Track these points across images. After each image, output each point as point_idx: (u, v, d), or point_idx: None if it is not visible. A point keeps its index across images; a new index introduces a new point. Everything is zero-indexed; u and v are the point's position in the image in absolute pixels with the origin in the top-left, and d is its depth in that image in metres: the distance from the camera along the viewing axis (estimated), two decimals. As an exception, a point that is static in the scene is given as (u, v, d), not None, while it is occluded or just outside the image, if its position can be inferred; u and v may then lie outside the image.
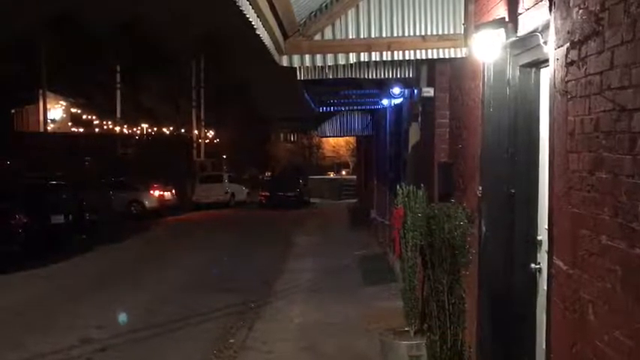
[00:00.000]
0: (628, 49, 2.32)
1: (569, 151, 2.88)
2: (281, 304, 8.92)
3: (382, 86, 9.41)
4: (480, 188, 4.56)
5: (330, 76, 6.71)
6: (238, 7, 3.72)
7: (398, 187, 5.27)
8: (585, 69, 2.68)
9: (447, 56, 4.99)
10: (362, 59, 4.94)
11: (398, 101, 11.43)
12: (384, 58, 4.95)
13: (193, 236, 18.12)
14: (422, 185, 5.57)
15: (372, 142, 15.87)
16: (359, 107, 14.10)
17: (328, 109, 13.49)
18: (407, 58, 4.96)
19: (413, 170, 6.81)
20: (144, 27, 45.08)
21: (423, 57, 4.98)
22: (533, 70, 4.29)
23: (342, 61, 4.91)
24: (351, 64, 6.53)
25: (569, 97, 2.89)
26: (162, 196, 25.57)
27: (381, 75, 6.72)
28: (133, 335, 7.54)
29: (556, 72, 3.09)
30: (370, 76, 6.70)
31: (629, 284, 2.28)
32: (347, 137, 50.02)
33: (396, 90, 10.04)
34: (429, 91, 5.78)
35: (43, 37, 33.91)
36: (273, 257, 13.32)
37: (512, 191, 4.38)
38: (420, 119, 6.22)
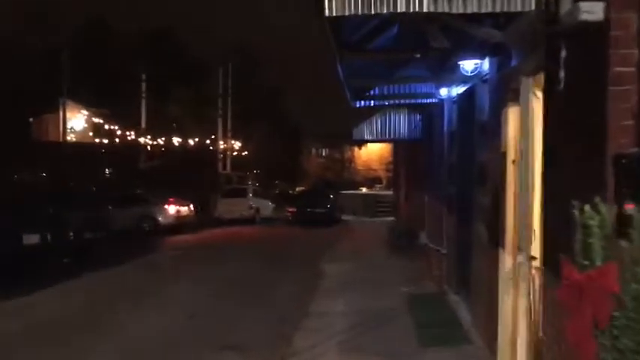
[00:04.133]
0: None
1: None
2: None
3: (450, 56, 6.42)
4: None
5: (384, 10, 3.79)
6: None
7: (587, 207, 2.26)
8: None
9: None
10: None
11: (461, 90, 8.52)
12: None
13: (203, 261, 15.19)
14: (573, 201, 2.61)
15: (422, 149, 12.78)
16: (407, 101, 11.04)
17: (367, 103, 10.53)
18: None
19: (547, 176, 3.77)
20: (172, 37, 43.38)
21: None
22: None
23: None
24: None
25: None
26: (179, 211, 22.93)
27: (472, 7, 3.76)
28: None
29: None
30: (456, 9, 3.74)
31: None
32: (380, 152, 47.26)
33: (468, 65, 7.11)
34: (593, 11, 2.79)
35: (68, 45, 32.22)
36: (296, 293, 10.38)
37: None
38: (562, 76, 3.22)
